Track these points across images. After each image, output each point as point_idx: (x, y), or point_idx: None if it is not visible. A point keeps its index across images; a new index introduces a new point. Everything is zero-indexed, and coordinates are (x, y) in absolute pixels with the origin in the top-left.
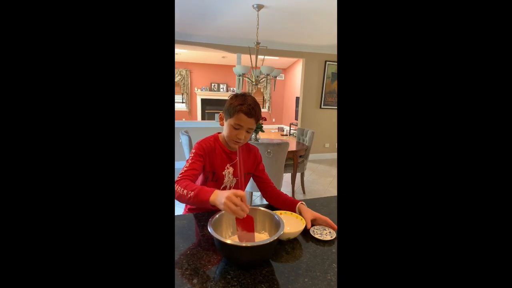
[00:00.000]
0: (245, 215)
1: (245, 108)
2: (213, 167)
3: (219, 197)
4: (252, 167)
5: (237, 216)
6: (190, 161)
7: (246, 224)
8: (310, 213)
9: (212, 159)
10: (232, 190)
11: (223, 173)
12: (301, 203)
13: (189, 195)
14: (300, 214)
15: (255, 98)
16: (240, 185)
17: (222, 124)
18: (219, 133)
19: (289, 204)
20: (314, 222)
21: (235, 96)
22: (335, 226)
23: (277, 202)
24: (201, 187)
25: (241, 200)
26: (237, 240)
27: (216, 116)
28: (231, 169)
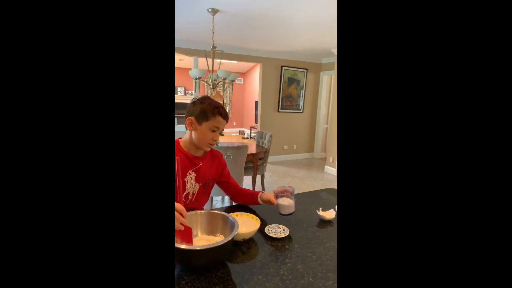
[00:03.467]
0: (183, 228)
1: (223, 111)
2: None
3: None
4: (216, 173)
5: (176, 228)
6: None
7: (185, 236)
8: (271, 194)
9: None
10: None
11: (185, 179)
12: (262, 192)
13: None
14: (264, 201)
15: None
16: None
17: (192, 129)
18: (180, 138)
19: (252, 197)
20: (278, 195)
21: (204, 99)
22: (289, 190)
23: (243, 199)
24: None
25: (180, 212)
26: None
27: (176, 119)
28: (193, 175)
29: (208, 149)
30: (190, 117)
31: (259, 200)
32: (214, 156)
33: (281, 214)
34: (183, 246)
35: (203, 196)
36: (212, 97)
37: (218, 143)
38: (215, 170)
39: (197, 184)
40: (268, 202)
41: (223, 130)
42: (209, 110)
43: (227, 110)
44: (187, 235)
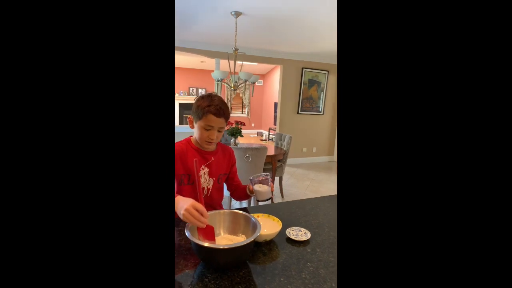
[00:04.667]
0: (204, 226)
1: (213, 108)
2: (188, 170)
3: (178, 206)
4: (228, 168)
5: (197, 226)
6: None
7: (207, 233)
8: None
9: (185, 162)
10: (192, 202)
11: (199, 174)
12: (249, 184)
13: None
14: (251, 191)
15: (221, 97)
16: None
17: (192, 127)
18: (191, 136)
19: (243, 190)
20: (254, 181)
21: (201, 98)
22: (265, 176)
23: (239, 194)
24: None
25: (201, 213)
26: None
27: None
28: (206, 170)
29: (207, 146)
30: (190, 115)
31: (247, 192)
32: (225, 151)
33: (258, 200)
34: (206, 244)
35: (217, 192)
36: (231, 99)
37: (238, 143)
38: (226, 165)
39: (211, 179)
40: (253, 191)
41: (222, 128)
42: (201, 109)
43: (246, 112)
44: (210, 233)
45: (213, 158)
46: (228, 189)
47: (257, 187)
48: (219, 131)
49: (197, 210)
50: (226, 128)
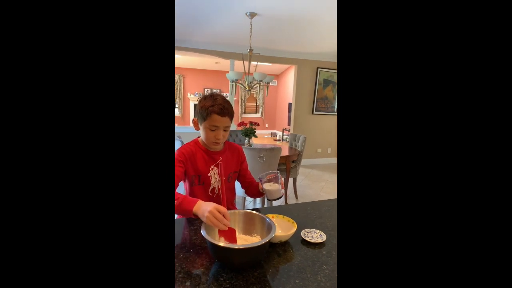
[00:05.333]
0: (227, 228)
1: (217, 108)
2: (197, 171)
3: (201, 209)
4: (237, 166)
5: (219, 228)
6: None
7: (229, 235)
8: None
9: (195, 163)
10: (215, 205)
11: (208, 174)
12: (258, 184)
13: None
14: (263, 191)
15: (224, 96)
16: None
17: (197, 129)
18: (199, 137)
19: (256, 187)
20: (264, 180)
21: (204, 98)
22: (275, 174)
23: (252, 191)
24: (184, 197)
25: (223, 215)
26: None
27: None
28: (215, 170)
29: (215, 147)
30: (194, 118)
31: (260, 190)
32: (233, 149)
33: (268, 199)
34: (221, 244)
35: (229, 191)
36: (245, 100)
37: (252, 144)
38: (235, 163)
39: (220, 178)
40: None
41: (228, 127)
42: (204, 109)
43: (260, 113)
44: (231, 236)
45: (221, 158)
46: (242, 187)
47: (267, 186)
48: (225, 130)
49: (220, 213)
50: (239, 128)
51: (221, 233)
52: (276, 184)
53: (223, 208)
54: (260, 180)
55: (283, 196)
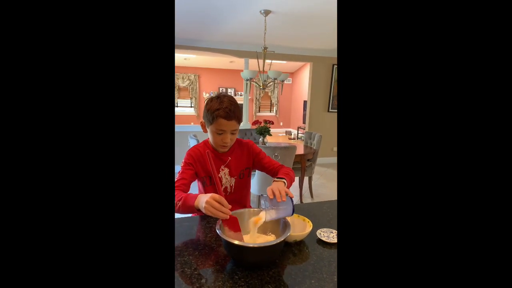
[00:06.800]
0: (227, 217)
1: (223, 112)
2: (208, 172)
3: (200, 202)
4: (249, 161)
5: (219, 218)
6: (180, 171)
7: (231, 223)
8: (273, 185)
9: (204, 165)
10: (211, 195)
11: (219, 175)
12: (274, 180)
13: (177, 205)
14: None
15: (231, 98)
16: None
17: (205, 131)
18: (208, 138)
19: (280, 171)
20: (272, 202)
21: (211, 100)
22: (291, 194)
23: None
24: (186, 195)
25: (221, 204)
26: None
27: None
28: (226, 170)
29: (223, 150)
30: (202, 120)
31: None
32: (242, 145)
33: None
34: (236, 242)
35: (241, 188)
36: (260, 98)
37: (266, 142)
38: (246, 160)
39: (232, 178)
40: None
41: (235, 130)
42: (211, 113)
43: (274, 111)
44: (234, 224)
45: (230, 158)
46: (272, 176)
47: (271, 213)
48: (232, 133)
49: (217, 201)
50: (254, 127)
51: (224, 223)
52: (281, 211)
53: (218, 196)
54: (268, 199)
55: (298, 195)
